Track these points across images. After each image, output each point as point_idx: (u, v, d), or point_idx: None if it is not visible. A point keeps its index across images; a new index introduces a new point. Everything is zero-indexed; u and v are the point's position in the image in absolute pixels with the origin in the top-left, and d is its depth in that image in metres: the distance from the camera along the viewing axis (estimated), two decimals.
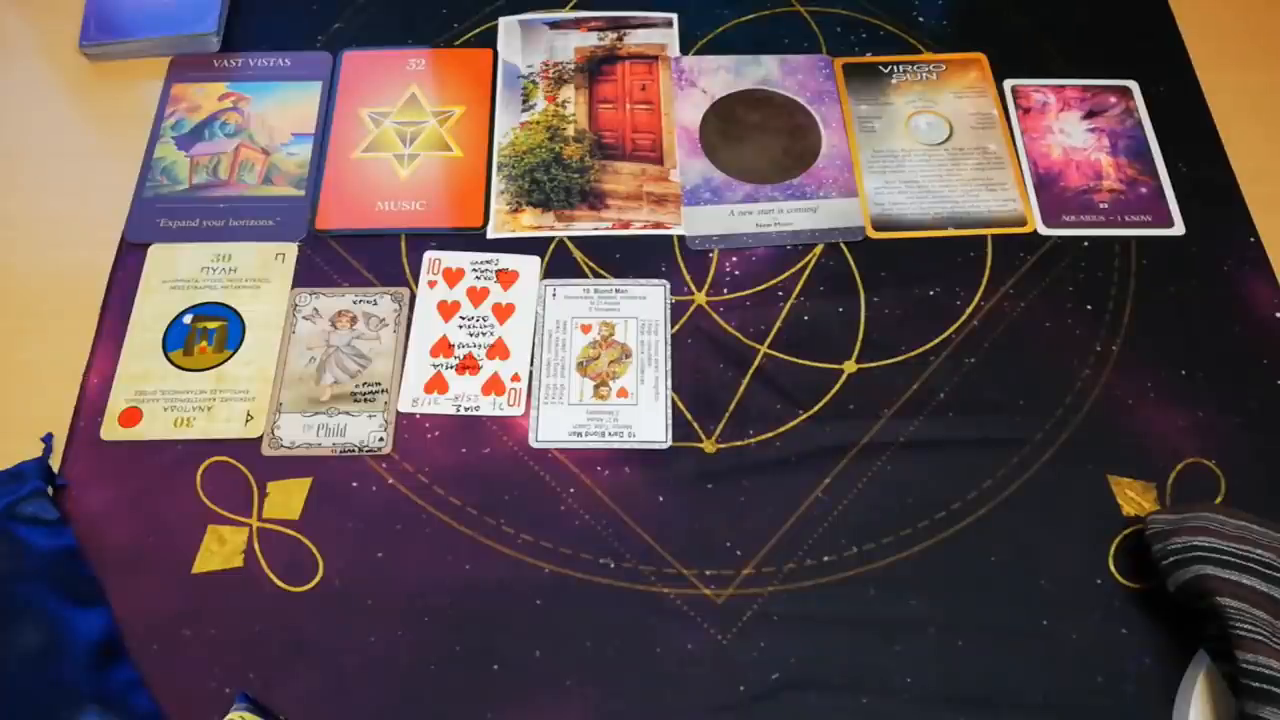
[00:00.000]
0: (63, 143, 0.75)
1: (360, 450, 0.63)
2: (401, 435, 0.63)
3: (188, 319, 0.67)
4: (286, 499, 0.61)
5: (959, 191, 0.73)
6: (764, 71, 0.78)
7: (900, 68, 0.78)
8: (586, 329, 0.67)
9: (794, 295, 0.68)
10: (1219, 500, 0.61)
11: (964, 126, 0.76)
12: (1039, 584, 0.59)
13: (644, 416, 0.64)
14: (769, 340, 0.67)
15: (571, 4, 0.81)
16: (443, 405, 0.64)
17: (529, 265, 0.69)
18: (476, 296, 0.68)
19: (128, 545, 0.59)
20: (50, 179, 0.73)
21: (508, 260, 0.70)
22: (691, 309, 0.68)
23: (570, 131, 0.75)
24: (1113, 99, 0.77)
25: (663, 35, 0.80)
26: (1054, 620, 0.58)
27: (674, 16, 0.80)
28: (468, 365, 0.66)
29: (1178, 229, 0.71)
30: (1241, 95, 0.77)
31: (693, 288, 0.69)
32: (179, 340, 0.66)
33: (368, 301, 0.68)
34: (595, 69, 0.78)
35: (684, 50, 0.79)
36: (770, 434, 0.64)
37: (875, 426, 0.64)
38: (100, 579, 0.58)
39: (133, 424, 0.63)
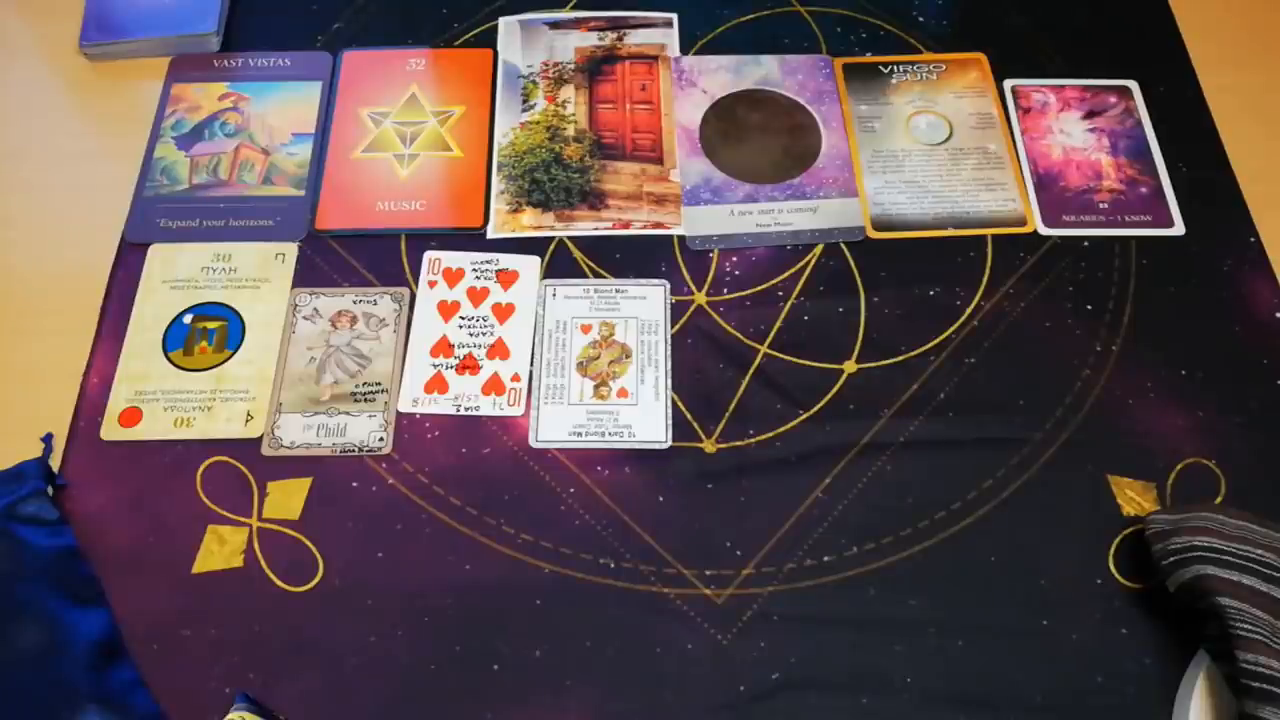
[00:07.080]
0: (63, 143, 0.75)
1: (360, 450, 0.63)
2: (401, 435, 0.63)
3: (188, 319, 0.67)
4: (286, 499, 0.61)
5: (959, 191, 0.73)
6: (764, 71, 0.78)
7: (900, 68, 0.78)
8: (586, 329, 0.67)
9: (794, 295, 0.68)
10: (1219, 500, 0.61)
11: (964, 126, 0.75)
12: (1039, 584, 0.59)
13: (644, 416, 0.64)
14: (769, 340, 0.67)
15: (571, 4, 0.81)
16: (443, 405, 0.64)
17: (529, 265, 0.69)
18: (476, 296, 0.68)
19: (128, 545, 0.59)
20: (50, 179, 0.73)
21: (508, 260, 0.70)
22: (691, 309, 0.68)
23: (570, 131, 0.75)
24: (1113, 99, 0.77)
25: (663, 35, 0.80)
26: (1054, 620, 0.58)
27: (674, 16, 0.80)
28: (468, 365, 0.66)
29: (1178, 229, 0.71)
30: (1241, 95, 0.77)
31: (693, 288, 0.69)
32: (179, 340, 0.66)
33: (368, 301, 0.68)
34: (595, 69, 0.78)
35: (684, 50, 0.79)
36: (770, 434, 0.64)
37: (875, 426, 0.64)
38: (100, 579, 0.58)
39: (133, 424, 0.63)
